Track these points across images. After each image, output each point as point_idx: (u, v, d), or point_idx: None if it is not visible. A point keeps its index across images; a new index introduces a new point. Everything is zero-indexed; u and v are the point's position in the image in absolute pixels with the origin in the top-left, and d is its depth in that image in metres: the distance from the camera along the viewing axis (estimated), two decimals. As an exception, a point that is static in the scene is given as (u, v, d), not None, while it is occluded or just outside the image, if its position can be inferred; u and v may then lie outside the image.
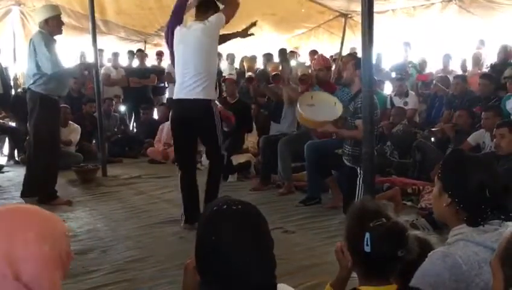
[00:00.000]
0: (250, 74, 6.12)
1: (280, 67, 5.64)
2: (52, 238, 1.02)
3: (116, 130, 8.28)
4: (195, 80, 3.91)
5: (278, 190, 5.38)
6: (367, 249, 1.43)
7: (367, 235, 1.43)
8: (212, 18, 3.95)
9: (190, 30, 3.99)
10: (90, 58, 6.90)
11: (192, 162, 4.24)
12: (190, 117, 3.96)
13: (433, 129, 6.10)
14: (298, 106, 4.50)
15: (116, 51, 9.28)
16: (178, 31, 4.04)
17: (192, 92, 3.93)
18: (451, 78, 7.34)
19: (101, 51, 8.91)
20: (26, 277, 0.95)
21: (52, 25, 4.74)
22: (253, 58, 9.01)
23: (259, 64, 9.05)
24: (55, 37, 4.80)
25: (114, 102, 8.50)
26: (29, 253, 0.97)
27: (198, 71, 3.91)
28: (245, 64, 8.75)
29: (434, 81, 7.41)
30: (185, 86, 3.96)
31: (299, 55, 9.83)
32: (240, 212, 1.26)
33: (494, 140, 4.45)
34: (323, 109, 4.48)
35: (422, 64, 8.25)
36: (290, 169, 5.40)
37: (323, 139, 4.94)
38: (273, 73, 5.62)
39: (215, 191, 4.05)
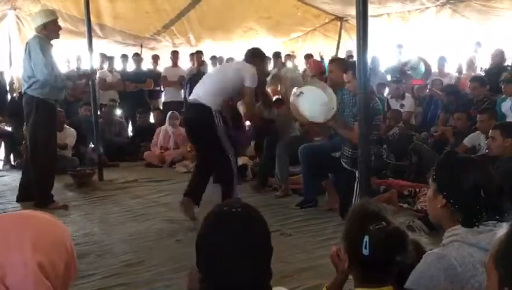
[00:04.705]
0: None
1: (279, 88, 5.51)
2: (49, 249, 1.02)
3: (116, 136, 8.21)
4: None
5: (275, 193, 5.38)
6: (365, 252, 1.41)
7: (366, 238, 1.41)
8: (246, 75, 4.30)
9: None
10: (86, 62, 6.83)
11: (208, 158, 4.41)
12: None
13: (434, 133, 6.13)
14: (292, 96, 4.36)
15: (111, 55, 9.25)
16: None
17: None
18: (445, 81, 7.39)
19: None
20: (9, 282, 0.97)
21: (49, 29, 4.72)
22: None
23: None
24: (52, 41, 4.79)
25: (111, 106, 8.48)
26: (19, 260, 0.98)
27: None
28: None
29: (429, 86, 7.45)
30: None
31: (295, 57, 9.80)
32: (232, 215, 1.26)
33: (486, 141, 4.50)
34: (312, 97, 4.29)
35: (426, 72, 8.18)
36: (287, 172, 5.41)
37: (318, 139, 4.92)
38: (275, 97, 5.51)
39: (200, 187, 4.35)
